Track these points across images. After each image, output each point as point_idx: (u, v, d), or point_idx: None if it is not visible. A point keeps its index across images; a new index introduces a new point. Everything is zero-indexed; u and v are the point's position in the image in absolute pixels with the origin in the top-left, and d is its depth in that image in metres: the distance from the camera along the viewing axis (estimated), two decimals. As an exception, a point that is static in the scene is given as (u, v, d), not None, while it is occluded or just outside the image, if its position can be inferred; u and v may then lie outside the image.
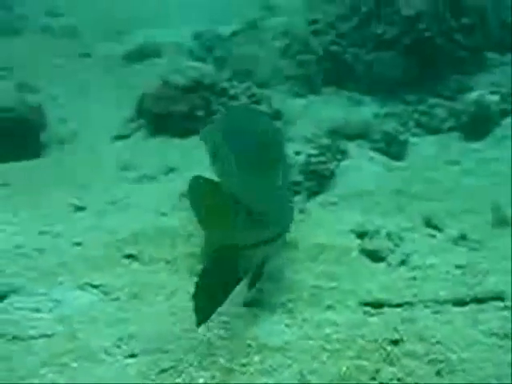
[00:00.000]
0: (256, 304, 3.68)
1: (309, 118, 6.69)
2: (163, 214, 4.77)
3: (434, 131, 6.55)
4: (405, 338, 3.31)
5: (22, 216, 4.90)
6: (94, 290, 3.79)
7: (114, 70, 8.33)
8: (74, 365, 3.18)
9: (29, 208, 5.03)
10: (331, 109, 7.21)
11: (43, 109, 6.64)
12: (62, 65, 8.42)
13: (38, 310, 3.61)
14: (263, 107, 6.16)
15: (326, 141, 5.73)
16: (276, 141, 4.32)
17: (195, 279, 3.86)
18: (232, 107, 5.22)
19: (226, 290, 3.28)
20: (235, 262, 3.28)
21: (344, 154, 5.66)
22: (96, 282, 3.84)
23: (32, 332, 3.40)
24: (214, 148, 4.36)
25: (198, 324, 3.18)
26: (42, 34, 9.51)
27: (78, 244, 4.41)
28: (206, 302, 3.21)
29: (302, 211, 4.85)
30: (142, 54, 8.77)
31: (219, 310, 3.50)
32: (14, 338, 3.36)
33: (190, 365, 3.17)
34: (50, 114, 6.77)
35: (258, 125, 4.52)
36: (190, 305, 3.47)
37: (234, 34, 8.64)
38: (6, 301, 3.79)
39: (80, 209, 5.01)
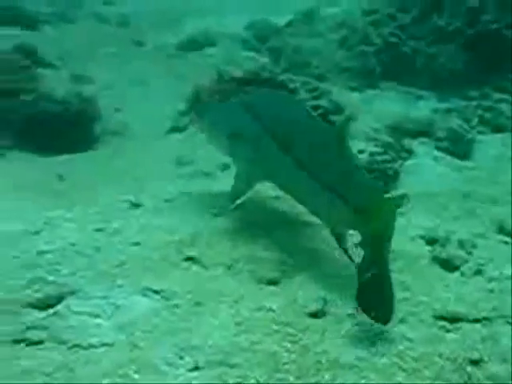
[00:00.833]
0: (321, 315, 3.49)
1: (369, 114, 6.45)
2: (220, 214, 4.60)
3: (500, 129, 6.26)
4: (485, 358, 3.09)
5: (77, 212, 4.78)
6: (155, 296, 3.64)
7: (168, 60, 8.20)
8: (136, 376, 3.04)
9: (84, 203, 4.91)
10: (390, 103, 6.99)
11: (97, 100, 6.53)
12: (116, 54, 8.32)
13: (97, 316, 3.47)
14: (323, 102, 5.93)
15: (389, 138, 5.50)
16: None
17: (258, 286, 3.76)
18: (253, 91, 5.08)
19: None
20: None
21: (408, 152, 5.42)
22: (156, 287, 3.69)
23: (92, 340, 3.27)
24: (233, 131, 4.39)
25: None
26: (95, 23, 9.42)
27: (136, 244, 4.27)
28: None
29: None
30: (195, 44, 8.64)
31: (284, 320, 3.35)
32: (75, 346, 3.23)
33: (257, 382, 3.00)
34: (103, 105, 6.65)
35: (300, 109, 4.42)
36: (256, 314, 3.34)
37: (289, 24, 8.41)
38: (63, 303, 3.66)
39: (136, 206, 4.86)
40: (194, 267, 3.98)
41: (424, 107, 6.86)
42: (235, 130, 4.48)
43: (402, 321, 3.43)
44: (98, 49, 8.46)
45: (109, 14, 9.73)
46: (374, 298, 3.37)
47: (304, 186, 4.04)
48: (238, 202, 4.49)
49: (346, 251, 3.88)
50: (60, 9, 9.48)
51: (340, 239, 3.91)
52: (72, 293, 3.76)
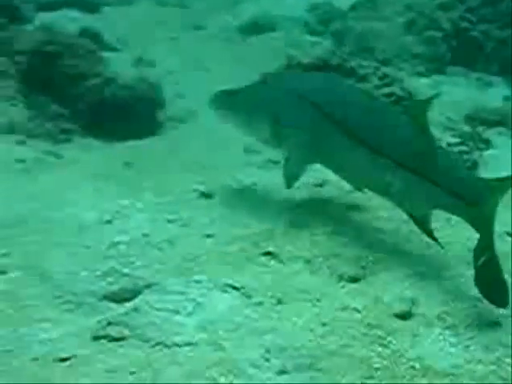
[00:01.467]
0: (409, 316, 3.35)
1: (441, 101, 6.22)
2: (298, 206, 4.47)
3: None
4: None
5: (147, 201, 4.70)
6: (235, 292, 3.53)
7: (230, 44, 8.07)
8: (222, 380, 2.94)
9: (153, 192, 4.82)
10: (459, 90, 6.76)
11: (161, 86, 6.43)
12: (177, 37, 8.21)
13: (177, 312, 3.38)
14: (395, 89, 5.73)
15: (465, 128, 5.30)
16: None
17: (340, 283, 3.63)
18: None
19: None
20: None
21: (485, 143, 5.21)
22: (236, 283, 3.58)
23: (175, 339, 3.18)
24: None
25: None
26: (154, 5, 9.31)
27: (210, 236, 4.17)
28: None
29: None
30: (256, 27, 8.48)
31: (371, 321, 3.22)
32: (158, 344, 3.14)
33: (349, 388, 2.88)
34: (166, 90, 6.55)
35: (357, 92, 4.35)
36: (341, 314, 3.23)
37: (354, 7, 8.19)
38: (140, 297, 3.58)
39: (206, 196, 4.76)
40: (273, 262, 3.87)
41: (495, 94, 6.61)
42: (283, 115, 4.36)
43: (495, 324, 3.26)
44: (158, 32, 8.36)
45: (168, -4, 9.62)
46: (492, 281, 3.43)
47: (377, 169, 3.97)
48: (294, 185, 4.43)
49: (431, 233, 3.87)
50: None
51: (424, 222, 3.88)
52: (148, 286, 3.67)
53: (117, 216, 4.44)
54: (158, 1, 9.37)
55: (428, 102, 3.94)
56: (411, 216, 3.96)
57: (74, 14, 8.29)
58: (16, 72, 6.04)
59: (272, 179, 4.98)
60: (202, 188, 4.84)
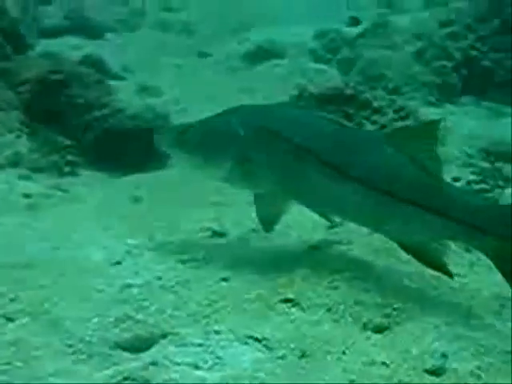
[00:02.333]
0: (441, 372, 3.19)
1: (455, 133, 6.11)
2: (316, 247, 4.31)
3: None
4: None
5: (158, 240, 4.55)
6: (257, 345, 3.36)
7: (235, 72, 7.98)
8: None
9: (164, 230, 4.68)
10: (471, 121, 6.63)
11: (168, 115, 6.31)
12: (182, 64, 8.10)
13: (197, 367, 3.20)
14: (410, 122, 5.61)
15: (484, 164, 5.16)
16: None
17: (365, 333, 3.47)
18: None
19: None
20: None
21: (506, 180, 5.08)
22: (258, 334, 3.41)
23: (197, 398, 3.00)
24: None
25: None
26: (158, 31, 9.21)
27: (225, 279, 4.00)
28: None
29: (468, 250, 4.32)
30: (262, 54, 8.39)
31: (402, 378, 3.06)
32: (178, 404, 2.97)
33: None
34: (173, 119, 6.43)
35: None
36: (369, 370, 3.07)
37: (362, 35, 8.09)
38: (154, 348, 3.41)
39: (219, 234, 4.61)
40: (293, 310, 3.69)
41: (507, 125, 6.49)
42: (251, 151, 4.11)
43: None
44: (162, 59, 8.26)
45: (172, 22, 9.51)
46: None
47: (368, 201, 3.84)
48: (274, 228, 4.26)
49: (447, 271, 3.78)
50: (122, 16, 9.29)
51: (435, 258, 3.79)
52: (164, 336, 3.50)
53: (127, 257, 4.28)
54: (162, 27, 9.30)
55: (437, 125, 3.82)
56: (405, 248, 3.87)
57: (77, 40, 8.18)
58: (20, 102, 5.91)
59: (287, 219, 4.82)
60: (214, 226, 4.70)
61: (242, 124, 4.12)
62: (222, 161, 4.16)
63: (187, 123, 4.44)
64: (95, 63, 7.01)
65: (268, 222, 4.25)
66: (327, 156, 3.89)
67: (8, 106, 5.76)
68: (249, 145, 4.08)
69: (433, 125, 3.85)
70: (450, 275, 3.79)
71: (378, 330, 3.55)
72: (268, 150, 4.06)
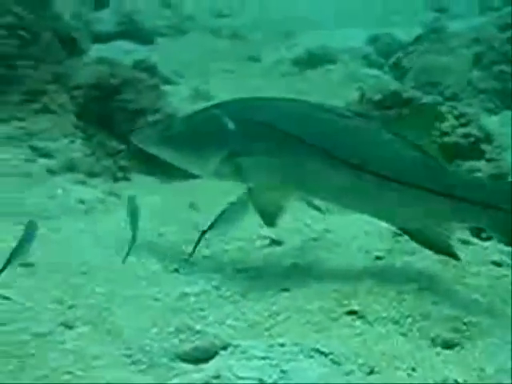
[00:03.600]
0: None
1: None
2: (379, 258, 4.18)
3: None
4: None
5: (214, 247, 4.46)
6: (323, 359, 3.23)
7: (287, 77, 7.87)
8: None
9: (220, 237, 4.56)
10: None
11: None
12: (233, 69, 8.02)
13: (261, 381, 3.09)
14: (472, 129, 5.42)
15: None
16: None
17: (434, 349, 3.33)
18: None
19: None
20: None
21: None
22: (324, 348, 3.28)
23: (266, 415, 2.89)
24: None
25: None
26: (209, 36, 9.17)
27: (286, 290, 3.89)
28: None
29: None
30: (313, 60, 8.26)
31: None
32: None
33: None
34: (226, 125, 6.32)
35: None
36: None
37: (417, 39, 7.91)
38: (216, 360, 3.31)
39: (277, 243, 4.50)
40: (358, 323, 3.56)
41: None
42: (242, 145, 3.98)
43: None
44: (213, 64, 8.18)
45: (221, 27, 9.46)
46: None
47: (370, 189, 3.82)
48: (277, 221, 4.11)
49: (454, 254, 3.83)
50: (173, 21, 9.26)
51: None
52: (225, 347, 3.40)
53: (183, 264, 4.20)
54: (212, 31, 9.23)
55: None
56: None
57: (129, 45, 8.16)
58: (74, 106, 5.89)
59: (344, 226, 4.71)
60: (272, 234, 4.58)
61: (229, 117, 3.99)
62: (210, 155, 4.04)
63: (169, 119, 4.37)
64: (147, 68, 6.97)
65: (268, 216, 4.11)
66: (325, 144, 3.84)
67: (62, 110, 5.74)
68: (239, 138, 3.96)
69: (428, 110, 3.98)
70: (457, 258, 3.83)
71: (448, 345, 3.41)
72: (261, 142, 3.95)
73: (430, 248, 3.87)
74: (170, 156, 4.24)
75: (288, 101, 4.24)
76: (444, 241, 3.82)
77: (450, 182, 3.76)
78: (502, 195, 3.70)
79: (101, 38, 8.17)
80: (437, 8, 9.72)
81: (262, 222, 4.61)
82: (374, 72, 7.64)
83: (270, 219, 4.12)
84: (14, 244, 3.71)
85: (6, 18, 5.66)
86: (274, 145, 3.94)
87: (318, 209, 4.24)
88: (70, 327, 3.48)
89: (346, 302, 3.69)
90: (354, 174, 3.80)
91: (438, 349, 3.37)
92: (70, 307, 3.64)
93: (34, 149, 5.51)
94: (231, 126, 3.96)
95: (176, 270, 4.15)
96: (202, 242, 4.46)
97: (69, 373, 3.12)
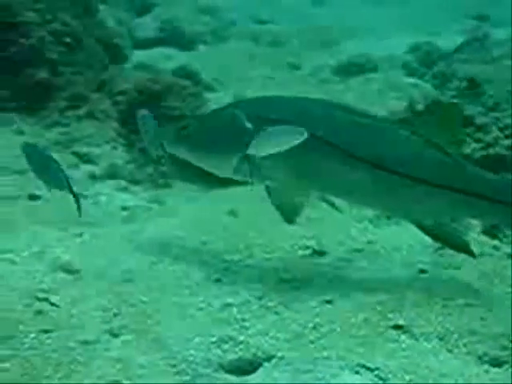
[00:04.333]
0: None
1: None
2: (423, 271, 4.13)
3: None
4: None
5: (256, 255, 4.47)
6: (369, 374, 3.21)
7: (326, 85, 7.82)
8: None
9: (262, 247, 4.60)
10: None
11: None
12: (273, 76, 8.01)
13: (308, 394, 3.07)
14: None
15: None
16: None
17: (482, 366, 3.28)
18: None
19: None
20: None
21: None
22: (369, 363, 3.25)
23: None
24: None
25: None
26: (249, 42, 9.17)
27: (329, 302, 3.86)
28: None
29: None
30: (354, 68, 8.22)
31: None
32: None
33: None
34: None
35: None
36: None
37: (459, 48, 7.83)
38: (260, 372, 3.31)
39: (319, 253, 4.48)
40: (404, 337, 3.53)
41: None
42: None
43: None
44: (253, 70, 8.18)
45: (261, 33, 9.45)
46: None
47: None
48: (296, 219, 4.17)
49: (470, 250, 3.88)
50: (213, 27, 9.29)
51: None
52: (268, 359, 3.39)
53: (226, 274, 4.20)
54: (252, 38, 9.24)
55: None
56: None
57: (170, 51, 8.20)
58: (117, 113, 5.93)
59: (387, 238, 4.67)
60: (313, 244, 4.56)
61: (247, 116, 3.97)
62: (229, 154, 4.02)
63: (186, 119, 4.36)
64: (189, 74, 6.99)
65: (288, 213, 4.16)
66: (342, 143, 3.86)
67: (105, 117, 5.78)
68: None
69: (452, 109, 4.00)
70: (473, 255, 3.88)
71: (496, 363, 3.35)
72: None
73: (447, 244, 3.93)
74: (188, 155, 4.23)
75: (307, 99, 4.23)
76: (460, 237, 3.88)
77: (468, 178, 3.81)
78: None
79: (143, 45, 8.23)
80: (477, 15, 9.60)
81: (304, 233, 4.65)
82: (415, 81, 7.57)
83: (289, 216, 4.18)
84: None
85: (53, 25, 5.72)
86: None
87: (332, 205, 4.25)
88: (115, 335, 3.50)
89: (390, 315, 3.66)
90: (371, 172, 3.84)
91: (486, 366, 3.33)
92: (115, 315, 3.65)
93: (77, 155, 5.56)
94: (249, 124, 3.95)
95: (219, 280, 4.13)
96: (243, 252, 4.49)
97: (115, 382, 3.14)
